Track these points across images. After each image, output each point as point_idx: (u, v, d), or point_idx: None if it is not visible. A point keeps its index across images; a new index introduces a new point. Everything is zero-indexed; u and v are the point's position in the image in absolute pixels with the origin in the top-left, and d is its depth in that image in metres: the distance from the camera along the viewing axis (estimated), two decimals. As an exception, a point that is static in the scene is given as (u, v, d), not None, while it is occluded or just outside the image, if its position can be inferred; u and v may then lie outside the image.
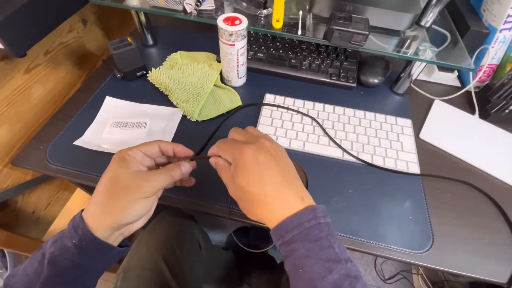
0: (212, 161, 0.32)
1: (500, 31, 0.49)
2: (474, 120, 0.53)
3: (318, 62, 0.56)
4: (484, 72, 0.56)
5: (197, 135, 0.47)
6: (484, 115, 0.54)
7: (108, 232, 0.28)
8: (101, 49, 0.68)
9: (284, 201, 0.27)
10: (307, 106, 0.52)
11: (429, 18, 0.52)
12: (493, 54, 0.53)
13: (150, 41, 0.61)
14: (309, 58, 0.57)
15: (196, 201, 0.41)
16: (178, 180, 0.33)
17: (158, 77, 0.50)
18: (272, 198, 0.27)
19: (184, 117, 0.49)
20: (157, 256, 0.50)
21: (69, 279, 0.27)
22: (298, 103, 0.52)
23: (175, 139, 0.46)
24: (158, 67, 0.54)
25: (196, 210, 0.40)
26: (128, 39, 0.50)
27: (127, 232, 0.31)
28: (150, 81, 0.52)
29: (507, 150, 0.50)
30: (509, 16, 0.48)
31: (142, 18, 0.56)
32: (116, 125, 0.47)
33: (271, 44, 0.59)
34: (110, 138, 0.45)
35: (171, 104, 0.50)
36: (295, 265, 0.26)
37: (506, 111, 0.53)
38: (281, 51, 0.58)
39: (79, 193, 0.74)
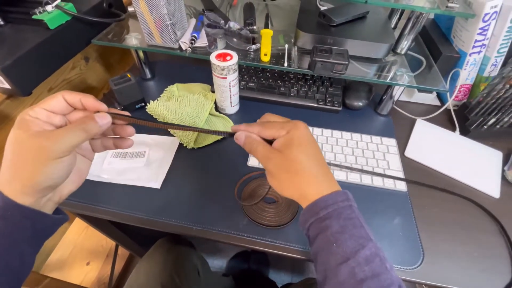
0: (241, 136, 0.32)
1: (470, 55, 0.54)
2: (455, 137, 0.56)
3: (305, 89, 0.60)
4: (460, 92, 0.60)
5: (194, 162, 0.50)
6: (464, 132, 0.57)
7: (29, 198, 0.25)
8: (102, 83, 0.72)
9: (325, 180, 0.29)
10: (297, 130, 0.55)
11: (404, 46, 0.57)
12: (466, 75, 0.57)
13: (149, 75, 0.65)
14: (297, 85, 0.61)
15: (195, 227, 0.42)
16: (106, 139, 0.32)
17: (156, 109, 0.54)
18: (314, 173, 0.29)
19: (181, 145, 0.51)
20: (155, 283, 0.50)
21: (2, 251, 0.25)
22: (289, 128, 0.55)
23: (173, 167, 0.48)
24: (156, 99, 0.57)
25: (195, 236, 0.42)
26: (128, 75, 0.54)
27: (56, 198, 0.29)
28: (149, 112, 0.56)
29: (488, 164, 0.52)
30: (476, 41, 0.53)
31: (141, 54, 0.61)
32: (116, 155, 0.49)
33: (261, 74, 0.63)
34: (110, 168, 0.47)
35: (169, 134, 0.53)
36: (329, 241, 0.26)
37: (485, 126, 0.57)
38: (270, 80, 0.62)
39: (78, 222, 0.74)
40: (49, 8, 0.52)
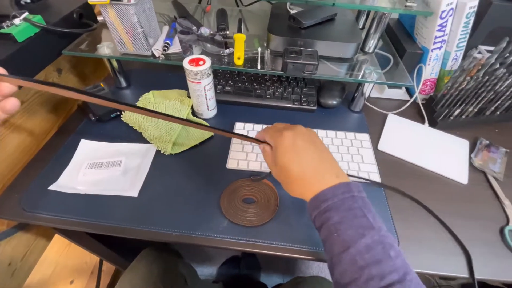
0: (260, 147, 0.37)
1: (432, 51, 0.57)
2: (424, 129, 0.59)
3: (281, 91, 0.62)
4: (426, 86, 0.63)
5: (172, 168, 0.49)
6: (432, 123, 0.60)
7: None
8: (77, 95, 0.70)
9: (320, 177, 0.31)
10: (275, 130, 0.56)
11: (371, 45, 0.60)
12: (430, 70, 0.60)
13: (124, 84, 0.65)
14: (273, 87, 0.62)
15: (175, 232, 0.41)
16: None
17: (132, 117, 0.53)
18: (309, 175, 0.31)
19: (158, 152, 0.51)
20: (140, 295, 0.49)
21: None
22: (266, 129, 0.57)
23: (151, 173, 0.48)
24: (132, 108, 0.57)
25: (177, 243, 0.41)
26: (101, 84, 0.54)
27: None
28: (124, 121, 0.55)
29: (455, 152, 0.55)
30: (436, 37, 0.56)
31: (115, 64, 0.60)
32: (91, 166, 0.48)
33: (237, 78, 0.64)
34: (86, 180, 0.46)
35: (145, 141, 0.53)
36: (330, 230, 0.28)
37: (451, 117, 0.60)
38: (246, 83, 0.63)
39: (57, 240, 0.72)
40: (16, 21, 0.51)
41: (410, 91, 0.68)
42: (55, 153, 0.51)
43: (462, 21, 0.52)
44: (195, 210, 0.44)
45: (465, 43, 0.56)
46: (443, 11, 0.51)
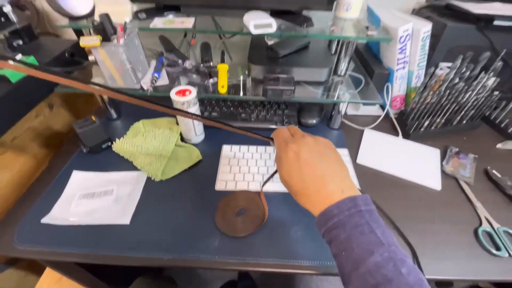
0: (272, 144, 0.37)
1: (397, 71, 0.63)
2: (399, 141, 0.64)
3: (264, 113, 0.66)
4: (396, 102, 0.69)
5: (163, 193, 0.51)
6: (405, 135, 0.65)
7: None
8: (68, 127, 0.73)
9: (324, 193, 0.29)
10: (260, 150, 0.60)
11: (342, 68, 0.66)
12: (398, 88, 0.66)
13: (114, 115, 0.68)
14: (256, 110, 0.67)
15: (166, 257, 0.43)
16: None
17: (122, 146, 0.56)
18: (313, 191, 0.30)
19: (149, 178, 0.53)
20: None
21: None
22: (252, 149, 0.60)
23: (142, 200, 0.50)
24: (122, 137, 0.59)
25: (171, 267, 0.42)
26: (92, 117, 0.56)
27: None
28: (115, 151, 0.57)
29: (428, 161, 0.59)
30: (398, 59, 0.62)
31: (105, 97, 0.64)
32: (84, 197, 0.50)
33: (222, 104, 0.68)
34: (78, 211, 0.48)
35: (136, 169, 0.55)
36: (339, 249, 0.27)
37: (422, 129, 0.65)
38: (232, 108, 0.67)
39: (49, 274, 0.70)
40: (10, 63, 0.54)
41: (383, 107, 0.73)
42: (47, 186, 0.52)
43: (419, 44, 0.59)
44: (186, 234, 0.46)
45: (425, 63, 0.63)
46: (401, 37, 0.58)
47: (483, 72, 0.59)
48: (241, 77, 0.62)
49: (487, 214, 0.50)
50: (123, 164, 0.56)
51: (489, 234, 0.47)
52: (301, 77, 0.62)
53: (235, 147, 0.60)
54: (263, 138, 0.39)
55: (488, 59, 0.58)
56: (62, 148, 0.63)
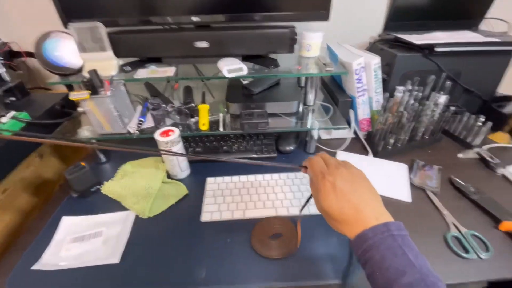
0: (304, 171, 0.41)
1: (358, 98, 0.71)
2: (369, 159, 0.70)
3: (244, 144, 0.71)
4: (364, 124, 0.76)
5: (152, 229, 0.54)
6: (375, 154, 0.71)
7: None
8: (58, 175, 0.75)
9: (360, 219, 0.33)
10: (242, 179, 0.64)
11: (311, 99, 0.73)
12: (362, 112, 0.74)
13: (103, 159, 0.71)
14: (237, 142, 0.72)
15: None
16: None
17: (111, 188, 0.59)
18: (349, 217, 0.33)
19: (138, 216, 0.56)
20: None
21: None
22: (235, 179, 0.64)
23: (132, 239, 0.52)
24: (110, 179, 0.63)
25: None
26: (82, 163, 0.60)
27: None
28: (104, 193, 0.60)
29: (398, 176, 0.65)
30: (357, 88, 0.70)
31: (94, 143, 0.68)
32: (73, 240, 0.51)
33: (205, 139, 0.73)
34: (68, 255, 0.49)
35: (125, 209, 0.57)
36: (373, 269, 0.30)
37: (389, 147, 0.71)
38: (214, 143, 0.72)
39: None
40: (4, 119, 0.58)
41: (355, 130, 0.80)
42: (37, 234, 0.54)
43: (372, 74, 0.68)
44: (174, 267, 0.47)
45: (381, 89, 0.71)
46: (356, 69, 0.66)
47: (440, 92, 0.68)
48: (221, 115, 0.68)
49: (454, 220, 0.54)
50: (112, 205, 0.59)
51: (457, 239, 0.51)
52: (275, 110, 0.68)
53: (219, 178, 0.64)
54: (294, 167, 0.43)
55: (440, 79, 0.67)
56: (53, 195, 0.65)
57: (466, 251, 0.49)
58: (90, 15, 0.60)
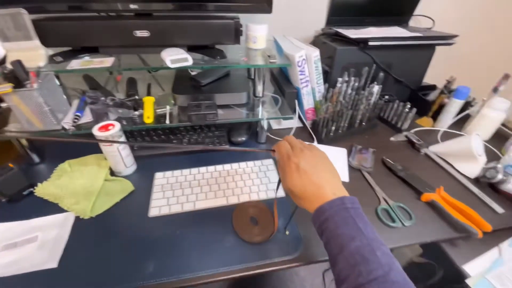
0: (273, 154, 0.45)
1: (302, 89, 0.76)
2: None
3: (195, 137, 0.71)
4: (309, 113, 0.81)
5: (95, 229, 0.51)
6: (320, 141, 0.76)
7: None
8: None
9: (320, 195, 0.36)
10: (193, 172, 0.64)
11: (259, 90, 0.75)
12: (307, 102, 0.78)
13: (37, 160, 0.65)
14: (187, 135, 0.71)
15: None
16: None
17: (46, 190, 0.54)
18: (311, 194, 0.37)
19: (78, 217, 0.52)
20: None
21: None
22: (185, 172, 0.63)
23: (71, 241, 0.49)
24: (45, 181, 0.58)
25: None
26: (10, 165, 0.54)
27: None
28: (38, 195, 0.55)
29: (338, 159, 0.71)
30: (301, 80, 0.74)
31: (24, 142, 0.61)
32: (5, 248, 0.47)
33: (153, 133, 0.71)
34: (0, 263, 0.45)
35: (63, 211, 0.53)
36: (328, 237, 0.34)
37: (331, 134, 0.77)
38: (163, 136, 0.70)
39: None
40: None
41: (301, 119, 0.85)
42: (-45, 247, 0.47)
43: (313, 66, 0.72)
44: (119, 264, 0.46)
45: (321, 80, 0.76)
46: (298, 61, 0.70)
47: (374, 82, 0.75)
48: (168, 107, 0.67)
49: (384, 195, 0.61)
50: (49, 208, 0.54)
51: (386, 211, 0.58)
52: (224, 102, 0.69)
53: (168, 173, 0.63)
54: (265, 151, 0.45)
55: (375, 71, 0.74)
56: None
57: (393, 220, 0.56)
58: (11, 0, 0.53)
